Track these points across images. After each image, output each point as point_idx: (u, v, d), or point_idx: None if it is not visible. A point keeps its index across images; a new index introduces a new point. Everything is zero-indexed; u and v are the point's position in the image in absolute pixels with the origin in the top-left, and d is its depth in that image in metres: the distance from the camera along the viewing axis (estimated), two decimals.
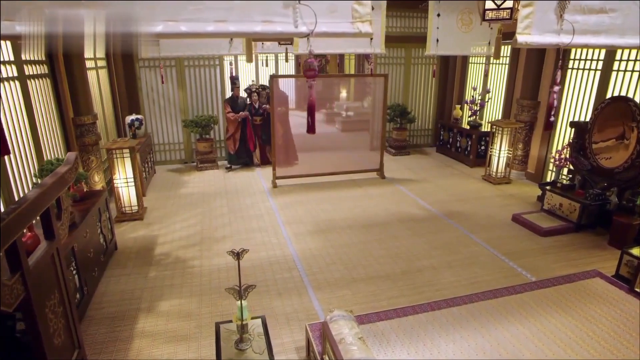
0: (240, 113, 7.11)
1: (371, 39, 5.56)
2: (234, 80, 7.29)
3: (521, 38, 1.91)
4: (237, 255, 2.25)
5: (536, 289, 3.35)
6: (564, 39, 1.95)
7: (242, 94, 7.59)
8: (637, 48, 2.17)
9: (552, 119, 2.64)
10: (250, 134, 7.30)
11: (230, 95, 7.44)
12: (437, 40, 5.71)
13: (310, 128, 2.52)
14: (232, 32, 1.64)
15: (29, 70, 3.87)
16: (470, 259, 4.27)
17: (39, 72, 4.09)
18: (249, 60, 3.75)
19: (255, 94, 7.31)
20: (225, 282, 3.87)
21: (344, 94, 9.20)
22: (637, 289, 3.24)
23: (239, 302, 2.33)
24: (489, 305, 3.13)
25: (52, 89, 4.38)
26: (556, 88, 2.44)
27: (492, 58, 7.16)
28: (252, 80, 8.03)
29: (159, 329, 3.22)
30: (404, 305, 3.26)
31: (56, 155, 4.31)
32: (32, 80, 3.90)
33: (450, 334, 2.80)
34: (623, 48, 2.20)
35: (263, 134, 7.53)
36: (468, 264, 4.17)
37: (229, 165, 7.42)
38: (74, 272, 3.20)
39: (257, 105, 7.35)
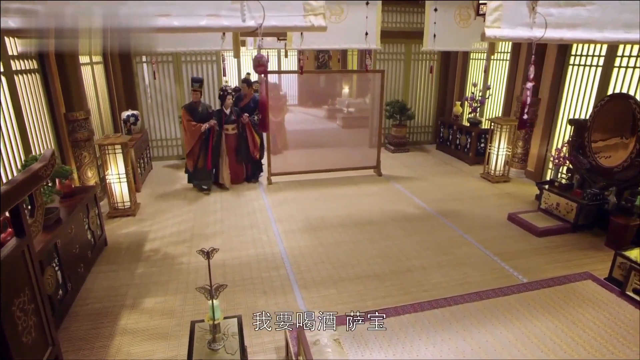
0: (205, 125, 5.72)
1: (366, 33, 5.51)
2: (193, 83, 5.83)
3: (490, 32, 1.83)
4: (207, 254, 2.22)
5: (524, 291, 3.27)
6: (537, 33, 1.86)
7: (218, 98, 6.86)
8: (617, 43, 2.07)
9: (525, 117, 2.54)
10: (213, 148, 5.92)
11: (189, 101, 6.08)
12: (434, 36, 5.60)
13: (262, 125, 2.46)
14: (177, 26, 1.58)
15: (16, 65, 3.86)
16: (462, 260, 4.19)
17: (27, 68, 4.08)
18: (236, 55, 3.69)
19: (230, 96, 5.95)
20: (212, 278, 3.84)
21: (346, 90, 9.13)
22: (628, 292, 3.15)
23: (210, 301, 2.30)
24: (473, 308, 3.06)
25: (42, 84, 4.38)
26: (529, 85, 2.35)
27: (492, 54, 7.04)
28: (226, 81, 6.86)
29: (141, 326, 3.21)
30: (388, 306, 3.21)
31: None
32: (19, 75, 3.90)
33: (431, 336, 2.74)
34: (602, 43, 2.10)
35: (240, 150, 6.21)
36: (459, 265, 4.09)
37: (206, 188, 6.03)
38: (57, 268, 3.20)
39: (228, 111, 5.95)
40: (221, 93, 5.98)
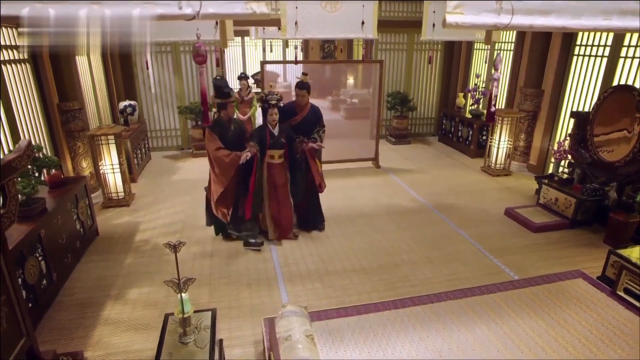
0: (246, 152, 3.79)
1: (363, 22, 5.38)
2: (222, 88, 3.84)
3: (451, 18, 1.72)
4: (174, 247, 2.19)
5: (511, 289, 3.18)
6: (504, 20, 1.74)
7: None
8: (593, 30, 1.94)
9: (493, 109, 2.42)
10: (256, 187, 3.99)
11: (215, 117, 4.12)
12: (434, 25, 5.46)
13: (204, 118, 2.41)
14: (107, 15, 1.52)
15: (3, 55, 3.86)
16: (453, 255, 4.11)
17: (17, 58, 4.08)
18: (223, 45, 3.62)
19: (275, 108, 3.97)
20: (198, 270, 3.85)
21: (351, 80, 9.00)
22: (619, 292, 3.04)
23: (179, 295, 2.27)
24: (456, 305, 2.99)
25: (33, 74, 4.37)
26: (496, 75, 2.22)
27: (496, 44, 6.84)
28: (270, 85, 4.48)
29: (124, 317, 3.22)
30: (371, 302, 3.16)
31: (37, 142, 4.33)
32: (7, 65, 3.90)
33: (409, 334, 2.68)
34: (577, 30, 1.97)
35: (295, 186, 4.28)
36: (450, 260, 4.01)
37: (255, 242, 4.18)
38: (40, 258, 3.21)
39: (276, 131, 4.05)
40: (264, 105, 4.00)
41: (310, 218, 4.57)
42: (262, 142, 4.02)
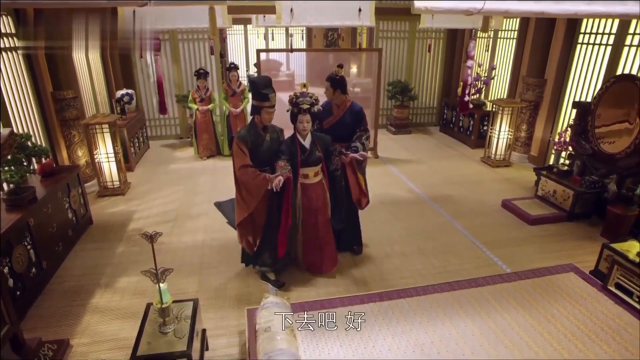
0: (277, 177, 2.91)
1: (360, 10, 5.26)
2: (258, 87, 3.04)
3: (419, 3, 1.63)
4: (150, 238, 2.17)
5: (500, 282, 3.14)
6: (477, 4, 1.65)
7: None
8: (574, 16, 1.84)
9: (467, 98, 2.34)
10: (288, 213, 3.12)
11: (248, 123, 3.27)
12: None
13: (161, 108, 2.36)
14: (52, 2, 1.48)
15: None
16: (446, 247, 4.06)
17: (7, 46, 4.06)
18: (213, 33, 3.57)
19: (307, 114, 3.09)
20: (189, 259, 3.86)
21: (354, 69, 8.87)
22: (610, 287, 2.98)
23: (158, 285, 2.26)
24: (442, 298, 2.95)
25: (25, 62, 4.35)
26: (470, 63, 2.14)
27: (499, 32, 6.67)
28: (304, 84, 3.22)
29: (112, 305, 3.24)
30: (357, 294, 3.14)
31: (28, 131, 4.33)
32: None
33: (392, 327, 2.66)
34: (556, 16, 1.87)
35: (335, 211, 3.48)
36: (442, 252, 3.96)
37: (275, 280, 3.45)
38: (29, 247, 3.23)
39: (308, 143, 3.19)
40: (294, 110, 3.10)
41: (344, 238, 3.77)
42: (293, 158, 3.15)
